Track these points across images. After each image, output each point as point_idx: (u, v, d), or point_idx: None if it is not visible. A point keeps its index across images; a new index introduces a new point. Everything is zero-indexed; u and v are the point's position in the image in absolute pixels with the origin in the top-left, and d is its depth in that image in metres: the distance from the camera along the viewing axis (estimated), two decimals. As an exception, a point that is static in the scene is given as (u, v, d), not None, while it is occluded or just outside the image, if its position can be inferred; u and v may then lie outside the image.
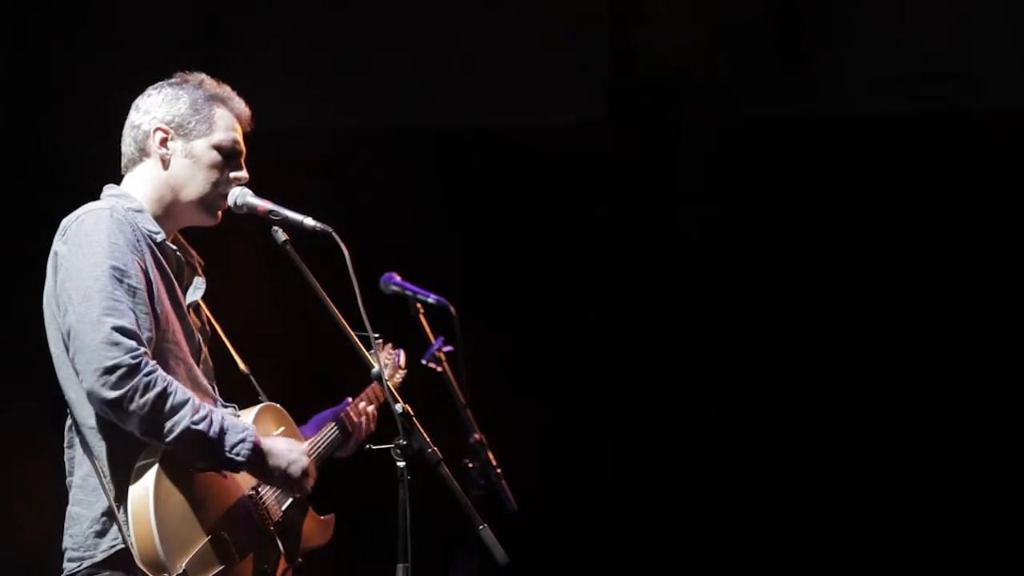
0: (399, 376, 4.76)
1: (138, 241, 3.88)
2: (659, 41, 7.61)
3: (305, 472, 3.98)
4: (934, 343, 7.30)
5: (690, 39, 7.53)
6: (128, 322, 3.73)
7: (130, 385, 3.68)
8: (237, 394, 4.15)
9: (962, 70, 7.44)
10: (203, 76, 4.15)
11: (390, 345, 4.73)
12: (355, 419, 4.41)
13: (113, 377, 3.68)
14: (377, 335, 4.43)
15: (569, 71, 7.69)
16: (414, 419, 3.91)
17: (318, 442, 4.27)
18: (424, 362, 5.10)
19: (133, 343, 3.71)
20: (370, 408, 4.47)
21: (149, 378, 3.71)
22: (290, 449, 3.98)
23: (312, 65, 7.73)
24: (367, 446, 4.07)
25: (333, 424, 4.37)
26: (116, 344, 3.69)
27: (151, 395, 3.70)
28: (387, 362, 4.72)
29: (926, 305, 7.33)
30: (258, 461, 3.88)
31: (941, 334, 7.30)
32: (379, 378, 3.93)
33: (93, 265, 3.78)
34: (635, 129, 7.67)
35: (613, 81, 7.73)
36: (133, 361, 3.69)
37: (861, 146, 7.45)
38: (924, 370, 7.29)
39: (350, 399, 4.46)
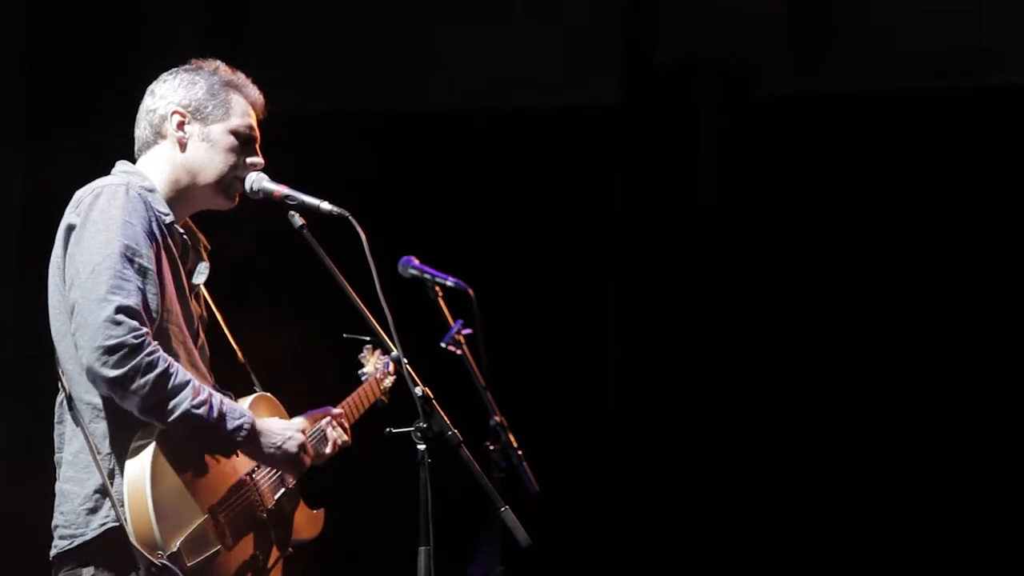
0: (388, 381, 4.82)
1: (150, 220, 3.87)
2: (675, 22, 7.60)
3: (302, 447, 4.01)
4: (965, 323, 7.25)
5: (706, 19, 7.51)
6: (134, 302, 3.72)
7: (131, 365, 3.67)
8: (232, 383, 4.16)
9: (981, 45, 7.39)
10: (218, 63, 4.16)
11: (379, 351, 4.78)
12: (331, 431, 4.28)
13: (114, 357, 3.67)
14: (368, 339, 4.45)
15: (585, 53, 7.67)
16: (434, 402, 3.91)
17: (312, 432, 4.22)
18: (444, 345, 5.10)
19: (136, 323, 3.70)
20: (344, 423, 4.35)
21: (151, 358, 3.70)
22: (285, 427, 4.02)
23: (328, 49, 7.73)
24: (388, 429, 4.06)
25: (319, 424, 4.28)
26: (119, 324, 3.68)
27: (152, 376, 3.69)
28: (378, 366, 4.80)
29: (950, 284, 7.29)
30: (255, 442, 3.90)
31: (970, 314, 7.25)
32: (398, 360, 3.93)
33: (105, 242, 3.77)
34: (652, 111, 7.65)
35: (629, 63, 7.71)
36: (135, 341, 3.68)
37: (881, 124, 7.42)
38: (964, 355, 7.24)
39: (331, 408, 4.38)
